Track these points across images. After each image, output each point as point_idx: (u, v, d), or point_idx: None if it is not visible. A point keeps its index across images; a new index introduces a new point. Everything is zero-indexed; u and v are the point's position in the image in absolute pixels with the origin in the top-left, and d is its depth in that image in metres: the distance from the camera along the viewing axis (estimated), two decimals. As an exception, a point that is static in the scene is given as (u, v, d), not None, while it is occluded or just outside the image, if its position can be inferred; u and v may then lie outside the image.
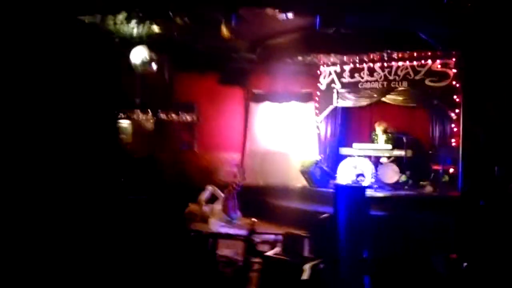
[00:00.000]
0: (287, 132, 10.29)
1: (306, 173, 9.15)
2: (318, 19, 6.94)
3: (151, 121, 11.05)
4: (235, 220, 8.38)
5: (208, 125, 10.72)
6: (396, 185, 8.89)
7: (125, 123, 10.49)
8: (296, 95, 10.24)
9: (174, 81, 10.37)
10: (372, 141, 9.71)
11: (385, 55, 9.66)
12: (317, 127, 10.57)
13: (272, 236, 6.76)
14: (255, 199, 9.22)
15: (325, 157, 10.23)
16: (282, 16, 7.03)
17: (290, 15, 7.25)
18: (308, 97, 10.20)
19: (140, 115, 10.62)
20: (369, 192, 8.45)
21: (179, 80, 10.41)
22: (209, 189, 8.89)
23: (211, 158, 10.58)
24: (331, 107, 10.37)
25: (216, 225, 8.04)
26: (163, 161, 10.41)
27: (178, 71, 10.22)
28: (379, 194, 8.43)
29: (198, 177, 9.96)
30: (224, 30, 6.96)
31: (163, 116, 10.87)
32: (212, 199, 8.94)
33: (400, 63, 9.58)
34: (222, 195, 8.69)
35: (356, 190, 5.31)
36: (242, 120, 10.58)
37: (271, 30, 8.04)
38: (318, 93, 10.45)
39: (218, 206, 8.64)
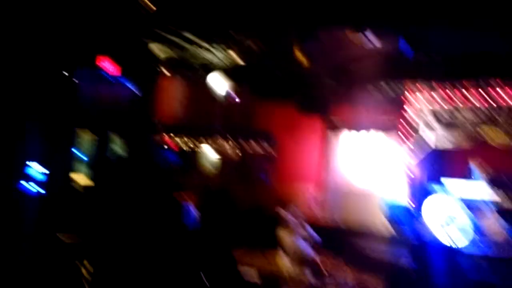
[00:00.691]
0: (369, 166, 9.41)
1: (390, 216, 8.24)
2: (401, 41, 6.20)
3: (235, 150, 10.95)
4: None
5: (285, 154, 10.28)
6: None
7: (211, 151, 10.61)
8: (380, 125, 9.37)
9: (251, 109, 10.17)
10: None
11: (483, 81, 8.45)
12: (407, 167, 9.48)
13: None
14: (330, 238, 8.45)
15: (415, 198, 9.11)
16: (362, 38, 6.42)
17: (371, 37, 6.63)
18: (392, 127, 9.25)
19: (224, 144, 10.58)
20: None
21: (256, 108, 10.17)
22: None
23: (287, 191, 10.05)
24: (427, 150, 9.18)
25: None
26: (238, 190, 10.16)
27: (256, 98, 10.01)
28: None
29: (272, 208, 9.50)
30: (299, 54, 6.54)
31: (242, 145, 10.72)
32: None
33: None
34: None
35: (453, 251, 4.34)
36: (321, 150, 9.94)
37: (353, 54, 7.45)
38: (408, 128, 9.43)
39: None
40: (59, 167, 7.96)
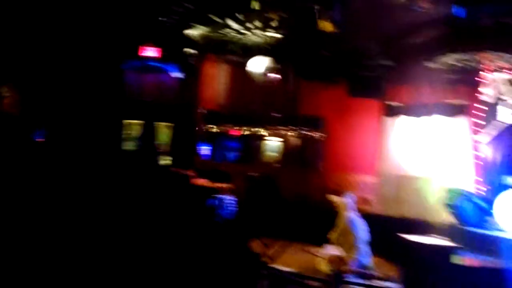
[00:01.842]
0: (430, 153, 8.30)
1: (453, 206, 7.13)
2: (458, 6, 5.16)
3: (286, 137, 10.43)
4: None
5: (336, 142, 9.47)
6: None
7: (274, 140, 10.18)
8: (442, 108, 8.18)
9: (298, 93, 9.48)
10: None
11: None
12: (478, 148, 8.33)
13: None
14: (384, 233, 7.59)
15: (487, 188, 7.95)
16: (412, 4, 5.48)
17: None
18: (458, 111, 8.04)
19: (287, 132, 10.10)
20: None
21: (304, 92, 9.47)
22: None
23: (338, 180, 9.28)
24: (501, 125, 8.01)
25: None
26: (286, 180, 9.61)
27: (302, 81, 9.30)
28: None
29: (323, 200, 8.80)
30: (324, 23, 5.73)
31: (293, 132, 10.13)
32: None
33: None
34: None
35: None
36: (375, 137, 8.99)
37: (403, 25, 6.45)
38: (481, 106, 8.24)
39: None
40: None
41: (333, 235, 6.68)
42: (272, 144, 10.42)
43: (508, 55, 7.75)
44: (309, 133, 9.67)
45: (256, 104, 9.38)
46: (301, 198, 8.96)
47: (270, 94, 9.20)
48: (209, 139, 11.02)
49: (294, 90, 9.33)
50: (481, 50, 7.30)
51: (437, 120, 8.25)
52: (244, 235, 6.37)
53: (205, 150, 18.01)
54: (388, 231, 7.72)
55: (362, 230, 6.44)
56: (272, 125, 10.04)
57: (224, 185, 7.36)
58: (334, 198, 6.83)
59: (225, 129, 10.65)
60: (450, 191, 7.31)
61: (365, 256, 6.29)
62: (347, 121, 9.33)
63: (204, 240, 5.73)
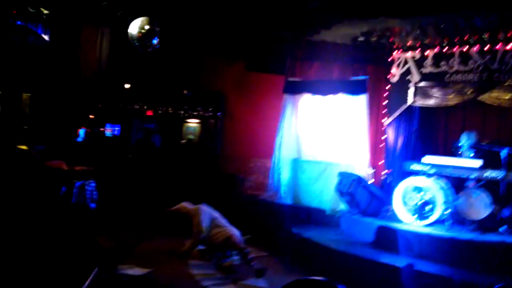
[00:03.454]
0: (330, 135, 7.55)
1: (344, 193, 6.43)
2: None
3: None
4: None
5: (237, 121, 8.55)
6: (485, 224, 5.71)
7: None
8: (346, 86, 7.37)
9: (197, 66, 8.39)
10: (452, 155, 6.56)
11: (486, 35, 6.66)
12: (381, 131, 7.79)
13: None
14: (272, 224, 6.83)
15: (387, 174, 7.43)
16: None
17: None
18: (362, 89, 7.28)
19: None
20: (438, 231, 5.56)
21: (204, 65, 8.42)
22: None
23: (237, 164, 8.38)
24: (404, 106, 7.50)
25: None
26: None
27: (202, 53, 8.22)
28: (454, 235, 5.42)
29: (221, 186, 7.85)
30: None
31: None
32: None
33: (510, 46, 6.48)
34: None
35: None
36: (277, 117, 8.11)
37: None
38: (387, 86, 7.67)
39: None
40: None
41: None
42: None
43: (416, 33, 7.23)
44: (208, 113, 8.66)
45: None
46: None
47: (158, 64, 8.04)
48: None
49: (193, 62, 8.21)
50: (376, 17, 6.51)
51: (340, 99, 7.50)
52: (91, 228, 5.23)
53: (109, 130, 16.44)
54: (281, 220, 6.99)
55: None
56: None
57: (85, 168, 6.15)
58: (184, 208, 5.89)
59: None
60: (344, 176, 6.61)
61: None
62: (248, 99, 8.42)
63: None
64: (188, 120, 16.52)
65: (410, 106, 7.49)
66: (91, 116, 14.30)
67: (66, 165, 6.09)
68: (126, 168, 7.47)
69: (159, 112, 15.46)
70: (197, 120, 16.04)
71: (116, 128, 15.95)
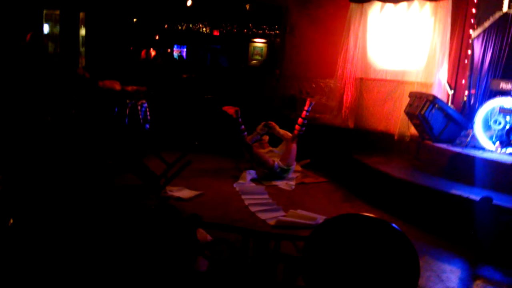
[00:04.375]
0: (403, 50, 6.57)
1: (415, 116, 5.67)
2: None
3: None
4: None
5: (299, 38, 7.82)
6: None
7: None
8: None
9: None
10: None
11: None
12: (466, 44, 6.67)
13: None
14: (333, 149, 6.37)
15: (470, 94, 6.44)
16: None
17: None
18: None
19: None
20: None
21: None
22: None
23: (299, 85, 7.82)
24: (498, 14, 6.29)
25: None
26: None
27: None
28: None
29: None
30: None
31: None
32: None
33: None
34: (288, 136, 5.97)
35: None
36: (341, 32, 7.21)
37: None
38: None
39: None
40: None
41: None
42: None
43: None
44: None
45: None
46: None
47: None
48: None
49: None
50: None
51: (416, 7, 6.41)
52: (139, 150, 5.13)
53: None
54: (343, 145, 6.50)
55: None
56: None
57: (138, 88, 5.97)
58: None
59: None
60: (417, 97, 5.80)
61: None
62: (311, 13, 7.58)
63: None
64: (255, 40, 15.79)
65: (505, 14, 6.28)
66: (156, 37, 14.18)
67: (119, 84, 5.96)
68: (179, 89, 7.25)
69: (224, 32, 14.92)
70: (263, 40, 15.28)
71: (184, 50, 15.82)
